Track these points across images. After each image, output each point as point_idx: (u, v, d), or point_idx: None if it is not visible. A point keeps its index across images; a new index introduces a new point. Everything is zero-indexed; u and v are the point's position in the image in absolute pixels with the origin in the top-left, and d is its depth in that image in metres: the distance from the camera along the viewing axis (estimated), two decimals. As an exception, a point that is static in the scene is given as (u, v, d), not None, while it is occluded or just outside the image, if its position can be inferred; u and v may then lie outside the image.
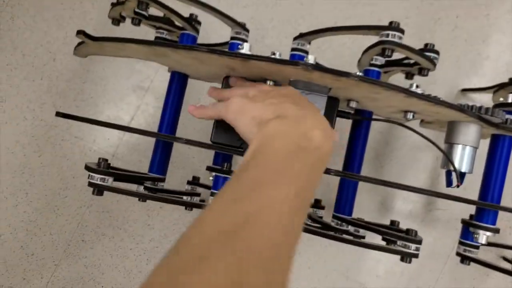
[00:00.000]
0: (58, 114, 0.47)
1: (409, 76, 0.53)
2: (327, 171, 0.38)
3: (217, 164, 0.50)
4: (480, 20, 0.71)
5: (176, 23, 0.52)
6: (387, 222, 0.51)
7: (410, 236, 0.44)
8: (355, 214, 0.59)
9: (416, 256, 0.43)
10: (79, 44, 0.48)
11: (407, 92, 0.37)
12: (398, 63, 0.49)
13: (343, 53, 0.70)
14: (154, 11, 0.50)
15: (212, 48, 0.38)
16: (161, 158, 0.51)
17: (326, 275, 0.68)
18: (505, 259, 0.67)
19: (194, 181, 0.60)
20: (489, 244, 0.62)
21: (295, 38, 0.52)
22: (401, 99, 0.40)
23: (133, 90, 0.70)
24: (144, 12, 0.47)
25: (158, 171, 0.51)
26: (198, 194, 0.54)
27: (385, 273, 0.69)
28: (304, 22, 0.72)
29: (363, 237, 0.51)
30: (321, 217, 0.58)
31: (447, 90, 0.70)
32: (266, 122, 0.31)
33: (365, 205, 0.69)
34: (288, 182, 0.25)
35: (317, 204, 0.59)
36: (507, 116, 0.47)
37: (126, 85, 0.70)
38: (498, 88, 0.53)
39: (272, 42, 0.72)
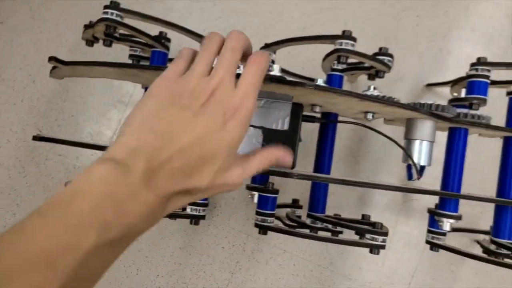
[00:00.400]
0: (35, 138, 0.49)
1: (371, 77, 0.56)
2: (290, 175, 0.41)
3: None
4: (439, 17, 0.75)
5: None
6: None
7: (377, 229, 0.47)
8: (336, 210, 0.62)
9: (383, 247, 0.46)
10: (53, 68, 0.51)
11: (359, 96, 0.40)
12: (357, 66, 0.52)
13: (314, 57, 0.73)
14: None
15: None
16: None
17: (311, 269, 0.71)
18: (478, 242, 0.70)
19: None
20: (458, 229, 0.66)
21: (260, 49, 0.55)
22: (356, 102, 0.43)
23: (114, 106, 0.72)
24: (114, 34, 0.50)
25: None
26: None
27: (367, 264, 0.72)
28: (274, 30, 0.75)
29: (341, 233, 0.54)
30: (299, 216, 0.61)
31: (413, 86, 0.74)
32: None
33: (344, 201, 0.72)
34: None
35: (295, 203, 0.62)
36: (460, 110, 0.50)
37: (106, 101, 0.72)
38: (454, 83, 0.56)
39: (245, 51, 0.74)
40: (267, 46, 0.53)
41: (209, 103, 0.28)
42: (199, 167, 0.27)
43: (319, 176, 0.42)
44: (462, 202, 0.66)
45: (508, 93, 0.55)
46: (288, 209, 0.62)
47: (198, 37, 0.54)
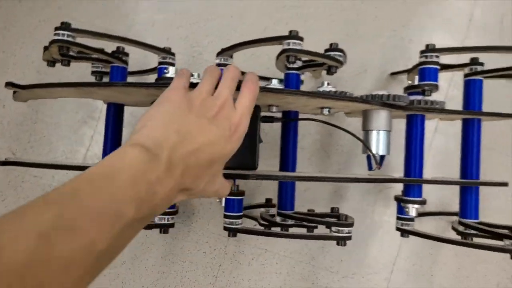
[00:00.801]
0: (5, 163, 0.50)
1: (329, 72, 0.57)
2: (246, 177, 0.42)
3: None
4: (398, 7, 0.76)
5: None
6: (342, 209, 0.55)
7: (342, 220, 0.48)
8: (312, 205, 0.62)
9: (349, 238, 0.47)
10: (14, 92, 0.52)
11: (308, 94, 0.41)
12: (311, 64, 0.53)
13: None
14: (91, 43, 0.53)
15: (128, 82, 0.42)
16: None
17: (293, 266, 0.72)
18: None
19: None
20: (430, 213, 0.67)
21: (217, 54, 0.56)
22: (307, 99, 0.44)
23: (85, 122, 0.73)
24: (69, 53, 0.50)
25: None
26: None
27: (348, 255, 0.73)
28: (236, 33, 0.76)
29: (316, 227, 0.55)
30: (273, 215, 0.62)
31: (378, 76, 0.75)
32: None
33: (320, 195, 0.74)
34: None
35: (268, 203, 0.63)
36: (415, 96, 0.51)
37: (77, 118, 0.73)
38: (409, 71, 0.58)
39: (210, 57, 0.75)
40: (223, 51, 0.54)
41: (219, 116, 0.34)
42: (205, 170, 0.32)
43: (271, 175, 0.43)
44: (439, 186, 0.67)
45: (465, 76, 0.57)
46: (262, 209, 0.63)
47: (152, 48, 0.54)
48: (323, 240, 0.48)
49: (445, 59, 0.56)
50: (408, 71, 0.58)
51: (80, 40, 0.51)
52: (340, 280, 0.72)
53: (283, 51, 0.46)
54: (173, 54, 0.57)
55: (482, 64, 0.55)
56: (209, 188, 0.35)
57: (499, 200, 0.74)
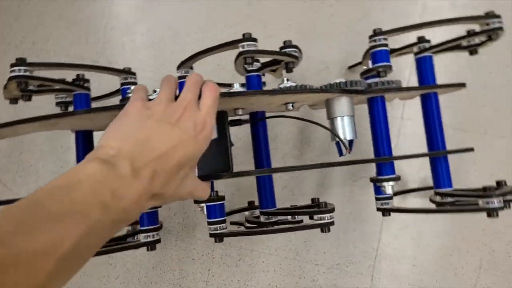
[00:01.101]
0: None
1: (287, 69, 0.59)
2: (220, 176, 0.43)
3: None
4: (351, 3, 0.80)
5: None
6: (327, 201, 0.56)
7: (322, 208, 0.49)
8: (292, 203, 0.63)
9: (331, 223, 0.49)
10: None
11: (267, 92, 0.43)
12: (270, 63, 0.54)
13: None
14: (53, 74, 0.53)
15: (89, 109, 0.42)
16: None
17: (279, 263, 0.73)
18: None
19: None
20: (408, 191, 0.69)
21: (178, 67, 0.57)
22: (269, 97, 0.46)
23: (69, 148, 0.73)
24: (29, 88, 0.50)
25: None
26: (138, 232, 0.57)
27: (330, 247, 0.74)
28: (199, 48, 0.78)
29: (301, 221, 0.56)
30: (258, 217, 0.62)
31: (339, 71, 0.78)
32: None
33: (298, 192, 0.75)
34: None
35: (250, 205, 0.64)
36: (371, 80, 0.54)
37: (60, 144, 0.74)
38: (363, 58, 0.60)
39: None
40: (182, 64, 0.55)
41: (183, 118, 0.34)
42: (175, 173, 0.33)
43: (246, 171, 0.44)
44: (418, 167, 0.69)
45: (415, 54, 0.60)
46: (246, 213, 0.64)
47: (111, 70, 0.55)
48: (308, 230, 0.49)
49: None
50: (362, 58, 0.61)
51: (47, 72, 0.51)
52: (325, 272, 0.73)
53: (240, 53, 0.47)
54: (134, 74, 0.58)
55: (428, 41, 0.59)
56: (180, 191, 0.35)
57: (470, 175, 0.77)
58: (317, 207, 0.52)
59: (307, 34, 0.79)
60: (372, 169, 0.61)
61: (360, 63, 0.72)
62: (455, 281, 0.74)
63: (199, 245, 0.72)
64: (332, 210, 0.49)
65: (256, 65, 0.57)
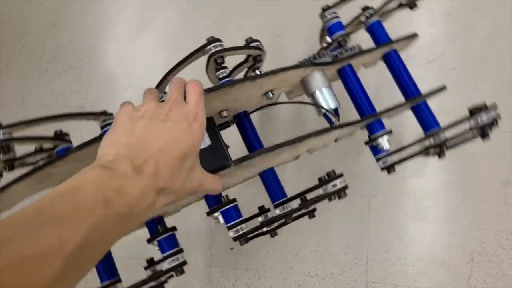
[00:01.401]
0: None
1: (256, 63, 0.61)
2: (227, 165, 0.43)
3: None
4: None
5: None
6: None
7: (332, 176, 0.50)
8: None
9: (346, 187, 0.49)
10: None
11: (246, 79, 0.44)
12: (239, 64, 0.57)
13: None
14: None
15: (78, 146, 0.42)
16: (106, 262, 0.52)
17: (275, 279, 0.73)
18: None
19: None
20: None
21: (156, 87, 0.57)
22: (249, 87, 0.47)
23: None
24: (9, 153, 0.49)
25: (109, 276, 0.51)
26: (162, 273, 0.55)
27: (322, 258, 0.74)
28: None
29: (315, 210, 0.56)
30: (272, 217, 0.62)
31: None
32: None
33: (301, 183, 0.75)
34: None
35: (261, 209, 0.63)
36: (335, 52, 0.57)
37: None
38: (320, 38, 0.64)
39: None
40: (160, 83, 0.56)
41: (172, 113, 0.35)
42: (178, 165, 0.33)
43: (251, 154, 0.44)
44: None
45: (364, 24, 0.64)
46: (259, 218, 0.63)
47: (90, 115, 0.55)
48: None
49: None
50: (320, 38, 0.64)
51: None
52: (320, 283, 0.74)
53: (209, 56, 0.49)
54: (111, 114, 0.58)
55: (372, 8, 0.63)
56: (189, 183, 0.35)
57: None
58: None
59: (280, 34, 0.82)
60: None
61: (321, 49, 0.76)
62: (448, 278, 0.74)
63: (197, 270, 0.72)
64: (341, 175, 0.50)
65: (227, 71, 0.59)
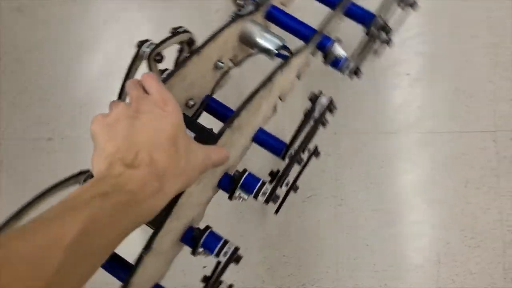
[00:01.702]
0: None
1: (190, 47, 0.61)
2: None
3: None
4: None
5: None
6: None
7: (315, 96, 0.51)
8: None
9: (332, 102, 0.50)
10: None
11: (193, 52, 0.45)
12: (178, 58, 0.56)
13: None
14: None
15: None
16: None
17: None
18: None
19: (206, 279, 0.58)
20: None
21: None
22: (198, 62, 0.47)
23: None
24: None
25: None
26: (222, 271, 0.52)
27: (293, 270, 0.76)
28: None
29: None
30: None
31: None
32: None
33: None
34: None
35: (272, 175, 0.63)
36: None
37: None
38: None
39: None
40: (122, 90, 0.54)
41: (141, 106, 0.35)
42: (171, 147, 0.33)
43: (237, 110, 0.44)
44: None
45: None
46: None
47: (69, 180, 0.53)
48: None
49: None
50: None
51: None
52: None
53: (148, 59, 0.49)
54: (87, 171, 0.56)
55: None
56: (194, 160, 0.35)
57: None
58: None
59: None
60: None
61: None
62: (417, 280, 0.76)
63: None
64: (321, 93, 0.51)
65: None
